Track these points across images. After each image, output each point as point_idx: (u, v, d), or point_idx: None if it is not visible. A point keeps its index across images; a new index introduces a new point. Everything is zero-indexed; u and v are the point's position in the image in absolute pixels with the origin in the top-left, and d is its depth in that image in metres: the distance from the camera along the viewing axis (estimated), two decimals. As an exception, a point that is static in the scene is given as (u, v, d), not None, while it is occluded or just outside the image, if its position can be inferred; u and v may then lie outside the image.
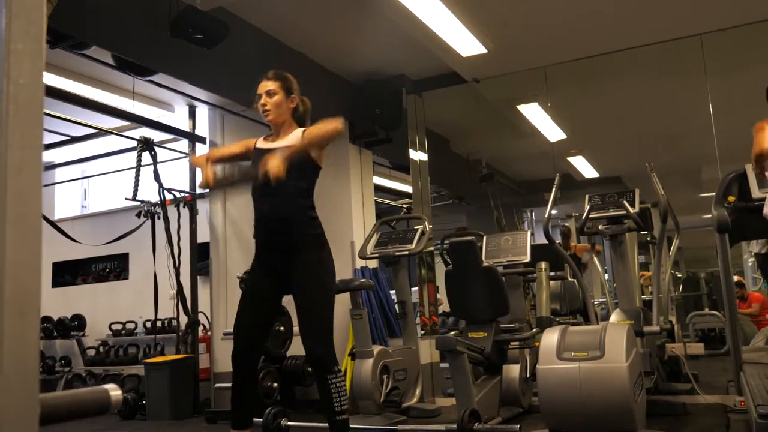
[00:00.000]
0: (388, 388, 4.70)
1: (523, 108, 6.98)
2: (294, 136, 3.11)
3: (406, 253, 5.11)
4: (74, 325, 7.59)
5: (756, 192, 4.16)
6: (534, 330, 4.56)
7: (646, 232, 6.20)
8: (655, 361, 4.68)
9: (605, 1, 4.94)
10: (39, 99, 0.67)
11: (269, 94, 3.13)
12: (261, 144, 3.22)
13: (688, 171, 8.14)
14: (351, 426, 3.12)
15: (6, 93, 0.63)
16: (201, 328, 6.51)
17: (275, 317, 3.25)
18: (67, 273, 8.35)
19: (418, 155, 6.56)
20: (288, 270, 3.03)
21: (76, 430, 5.47)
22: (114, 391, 0.76)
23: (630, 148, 8.06)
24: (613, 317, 4.54)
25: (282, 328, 5.65)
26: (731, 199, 4.23)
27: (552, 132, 7.24)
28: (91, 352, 7.46)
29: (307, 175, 3.13)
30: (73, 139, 7.33)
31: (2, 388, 0.59)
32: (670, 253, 5.73)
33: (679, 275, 9.46)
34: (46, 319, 7.50)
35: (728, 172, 4.37)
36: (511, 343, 4.56)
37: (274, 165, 2.80)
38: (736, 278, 7.53)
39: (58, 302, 7.74)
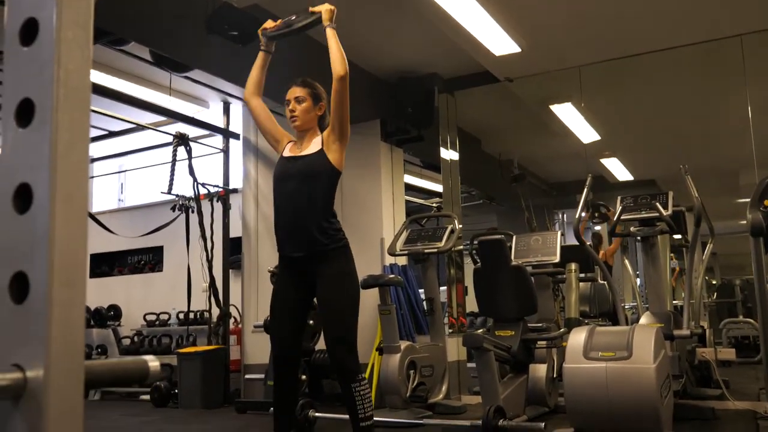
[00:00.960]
0: (415, 383, 4.73)
1: (556, 108, 6.93)
2: (316, 143, 3.13)
3: (435, 250, 5.13)
4: (110, 314, 7.75)
5: (793, 196, 4.10)
6: (562, 330, 4.54)
7: (680, 236, 6.12)
8: (685, 365, 4.63)
9: (643, 0, 4.89)
10: (87, 85, 0.71)
11: (298, 100, 3.13)
12: (287, 152, 3.21)
13: (724, 175, 8.01)
14: (377, 419, 3.17)
15: (57, 78, 0.67)
16: (232, 320, 6.60)
17: (306, 321, 3.26)
18: (104, 264, 8.54)
19: (449, 154, 6.57)
20: (313, 279, 3.06)
21: (111, 415, 5.61)
22: (152, 362, 0.80)
23: (665, 150, 7.95)
24: (643, 320, 4.50)
25: (311, 321, 5.70)
26: (767, 203, 4.17)
27: (585, 133, 7.18)
28: (126, 342, 7.60)
29: (330, 185, 3.13)
30: (111, 134, 7.49)
31: (51, 353, 0.63)
32: (704, 257, 5.66)
33: (714, 282, 9.31)
34: (83, 309, 7.65)
35: (766, 175, 4.31)
36: (539, 343, 4.55)
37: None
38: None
39: (95, 292, 7.91)
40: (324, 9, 3.06)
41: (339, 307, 3.02)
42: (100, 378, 0.75)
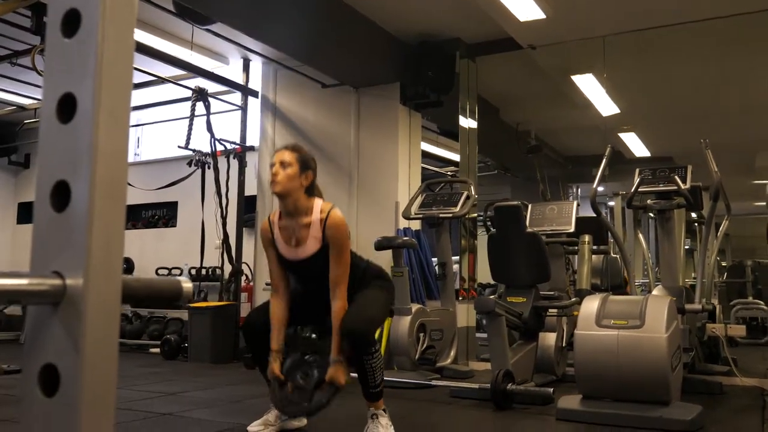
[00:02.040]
0: (424, 346, 4.76)
1: (577, 79, 6.84)
2: (314, 239, 2.93)
3: (451, 215, 5.12)
4: (123, 267, 7.80)
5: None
6: (573, 299, 4.54)
7: (694, 214, 6.07)
8: (694, 340, 4.64)
9: (671, -30, 4.80)
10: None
11: (283, 165, 2.92)
12: (279, 234, 3.02)
13: (743, 156, 7.94)
14: (386, 379, 3.18)
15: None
16: (244, 278, 6.64)
17: None
18: (118, 217, 8.56)
19: (467, 122, 6.52)
20: None
21: (121, 365, 5.68)
22: (186, 283, 0.80)
23: (685, 127, 7.87)
24: (655, 292, 4.50)
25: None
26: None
27: (605, 106, 7.10)
28: (137, 304, 7.68)
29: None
30: (130, 87, 7.46)
31: (91, 261, 0.63)
32: (718, 234, 5.63)
33: (724, 264, 9.26)
34: (96, 261, 7.70)
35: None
36: (550, 311, 4.56)
37: (341, 377, 2.83)
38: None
39: (107, 245, 7.95)
40: (341, 380, 2.85)
41: (367, 298, 2.98)
42: (135, 293, 0.75)
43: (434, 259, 5.75)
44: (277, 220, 3.03)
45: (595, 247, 5.58)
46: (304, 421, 3.17)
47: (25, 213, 9.22)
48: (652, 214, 5.14)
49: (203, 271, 6.80)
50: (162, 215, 8.13)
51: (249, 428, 3.06)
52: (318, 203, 2.96)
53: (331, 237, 2.89)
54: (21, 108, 8.02)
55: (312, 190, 3.00)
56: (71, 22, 0.67)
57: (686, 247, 7.28)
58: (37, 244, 0.67)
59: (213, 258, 6.68)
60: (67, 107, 0.67)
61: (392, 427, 2.93)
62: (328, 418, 3.22)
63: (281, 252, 3.02)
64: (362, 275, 3.05)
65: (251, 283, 6.74)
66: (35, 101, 7.70)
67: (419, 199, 5.43)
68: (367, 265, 3.13)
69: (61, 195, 0.66)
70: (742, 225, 9.22)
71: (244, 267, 6.61)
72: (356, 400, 2.99)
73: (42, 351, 0.64)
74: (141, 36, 5.89)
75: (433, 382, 4.50)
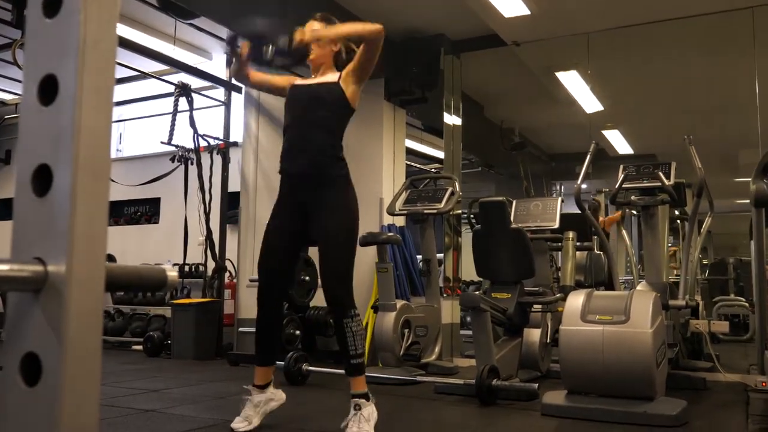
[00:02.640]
0: (409, 342, 4.75)
1: (561, 75, 6.86)
2: (332, 76, 3.09)
3: (435, 211, 5.12)
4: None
5: (796, 170, 4.09)
6: (558, 295, 4.56)
7: (677, 211, 6.11)
8: (678, 336, 4.66)
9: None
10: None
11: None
12: (299, 81, 3.23)
13: (724, 154, 7.99)
14: (370, 375, 3.15)
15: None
16: (227, 274, 6.60)
17: (299, 256, 3.25)
18: (100, 214, 8.47)
19: (452, 119, 6.52)
20: (311, 209, 3.02)
21: (106, 363, 5.63)
22: (170, 271, 0.79)
23: (668, 125, 7.90)
24: (640, 288, 4.51)
25: (307, 278, 5.72)
26: (772, 174, 4.15)
27: (589, 103, 7.12)
28: (120, 292, 7.61)
29: (340, 114, 3.09)
30: (111, 81, 7.38)
31: (74, 247, 0.62)
32: (701, 231, 5.66)
33: (705, 261, 9.32)
34: (77, 258, 7.62)
35: (770, 149, 4.30)
36: (534, 306, 4.57)
37: (309, 30, 2.98)
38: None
39: (89, 242, 7.87)
40: (309, 37, 2.99)
41: (336, 239, 2.97)
42: (118, 280, 0.73)
43: (419, 256, 5.74)
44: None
45: (579, 244, 5.60)
46: (282, 398, 3.13)
47: (6, 210, 9.10)
48: (635, 211, 5.15)
49: (186, 268, 6.76)
50: (144, 211, 8.07)
51: (233, 426, 3.03)
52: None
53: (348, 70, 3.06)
54: (2, 103, 7.92)
55: (340, 57, 3.14)
56: (53, 2, 0.66)
57: (669, 244, 7.33)
58: (18, 229, 0.65)
59: (196, 254, 6.64)
60: (48, 89, 0.65)
61: (375, 414, 2.86)
62: (309, 408, 3.20)
63: (296, 83, 3.17)
64: (335, 179, 3.05)
65: (234, 280, 6.69)
66: (16, 96, 7.60)
67: (404, 196, 5.42)
68: (345, 168, 3.13)
69: (42, 179, 0.64)
70: (725, 222, 9.26)
71: (227, 263, 6.57)
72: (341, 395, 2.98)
73: (23, 339, 0.62)
74: (123, 30, 5.83)
75: (418, 378, 4.49)
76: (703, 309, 5.85)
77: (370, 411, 2.86)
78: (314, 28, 3.06)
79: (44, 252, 0.63)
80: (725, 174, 8.48)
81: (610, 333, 3.24)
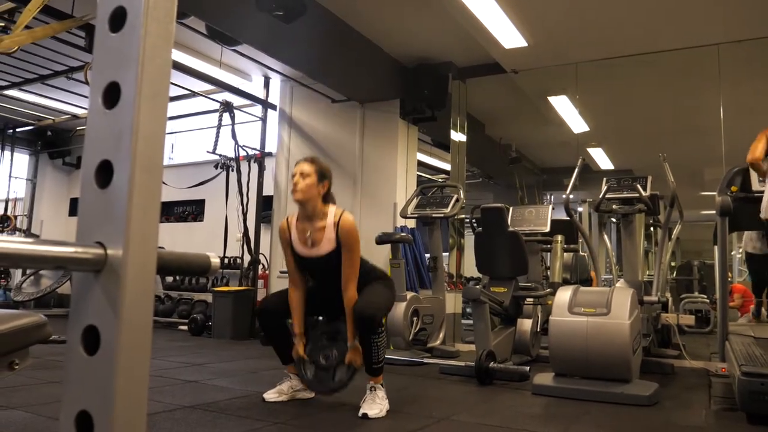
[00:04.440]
0: (417, 328, 4.72)
1: (553, 99, 6.82)
2: (328, 240, 2.89)
3: (442, 215, 5.08)
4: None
5: (756, 185, 4.04)
6: (548, 290, 4.51)
7: (652, 218, 6.04)
8: (651, 328, 4.60)
9: (636, 8, 4.78)
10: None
11: (303, 175, 2.89)
12: (296, 236, 2.97)
13: (693, 170, 7.90)
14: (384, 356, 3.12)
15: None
16: (261, 266, 6.60)
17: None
18: (153, 212, 8.50)
19: (458, 136, 6.49)
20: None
21: (155, 340, 5.64)
22: (213, 258, 0.78)
23: (644, 144, 7.84)
24: (619, 285, 4.45)
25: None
26: (734, 189, 4.10)
27: (577, 124, 7.08)
28: (170, 279, 7.63)
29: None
30: (166, 99, 7.40)
31: (130, 233, 0.61)
32: (672, 237, 5.59)
33: (673, 264, 9.22)
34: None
35: (734, 166, 4.24)
36: (527, 299, 4.52)
37: (358, 359, 2.86)
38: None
39: (143, 236, 7.89)
40: (358, 362, 2.89)
41: (374, 291, 2.94)
42: (168, 264, 0.72)
43: (427, 254, 5.71)
44: (295, 222, 2.99)
45: (566, 246, 5.55)
46: (312, 393, 3.13)
47: (75, 208, 9.17)
48: (614, 219, 5.09)
49: (226, 260, 6.76)
50: (191, 211, 8.08)
51: (265, 396, 3.02)
52: (332, 209, 2.94)
53: (344, 239, 2.86)
54: (74, 117, 7.99)
55: (328, 198, 2.97)
56: (118, 19, 0.65)
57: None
58: (82, 217, 0.64)
59: (234, 249, 6.64)
60: (112, 94, 0.64)
61: (387, 399, 2.88)
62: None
63: (297, 250, 2.98)
64: (367, 274, 2.99)
65: (267, 272, 6.70)
66: (86, 110, 7.66)
67: (414, 201, 5.39)
68: (372, 267, 3.07)
69: (104, 173, 0.63)
70: (691, 230, 9.17)
71: (261, 257, 6.57)
72: (358, 376, 2.96)
73: (85, 314, 0.61)
74: (176, 55, 5.84)
75: (425, 360, 4.46)
76: (672, 304, 5.79)
77: (383, 393, 2.89)
78: (303, 170, 2.91)
79: (104, 237, 0.62)
80: (693, 188, 8.39)
81: (593, 323, 3.20)
